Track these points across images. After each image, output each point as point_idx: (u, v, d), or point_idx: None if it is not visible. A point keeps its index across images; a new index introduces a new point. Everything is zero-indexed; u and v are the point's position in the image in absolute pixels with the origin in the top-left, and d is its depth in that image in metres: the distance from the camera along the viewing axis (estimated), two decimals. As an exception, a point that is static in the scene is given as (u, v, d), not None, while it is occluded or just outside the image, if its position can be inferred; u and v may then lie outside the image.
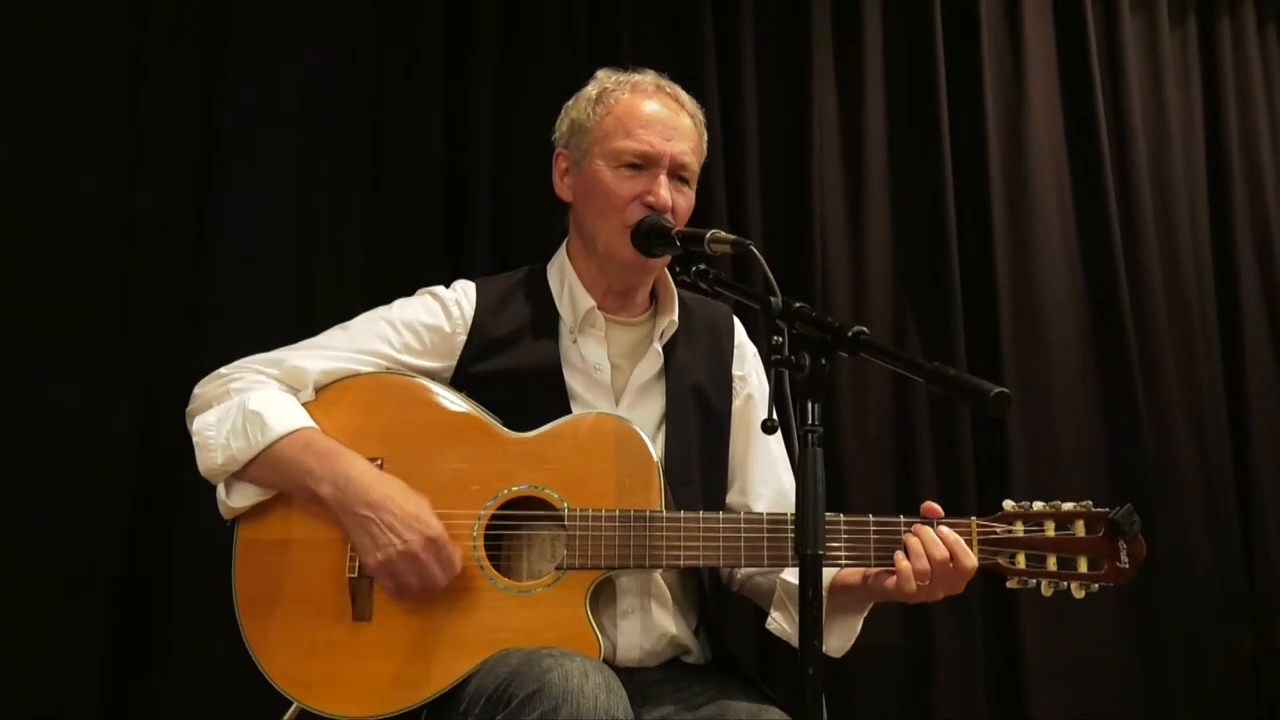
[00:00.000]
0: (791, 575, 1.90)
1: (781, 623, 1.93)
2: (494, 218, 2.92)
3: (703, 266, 1.77)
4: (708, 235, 1.76)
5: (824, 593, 1.80)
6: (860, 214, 3.27)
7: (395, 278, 2.71)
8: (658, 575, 1.91)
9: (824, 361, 1.41)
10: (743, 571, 2.03)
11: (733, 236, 1.74)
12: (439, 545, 1.74)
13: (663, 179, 1.92)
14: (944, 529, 1.75)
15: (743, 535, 1.79)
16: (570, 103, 2.05)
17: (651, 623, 1.90)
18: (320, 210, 2.81)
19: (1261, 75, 3.75)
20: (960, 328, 3.22)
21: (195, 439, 1.82)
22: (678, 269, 1.84)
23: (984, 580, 3.03)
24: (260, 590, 1.80)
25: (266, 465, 1.79)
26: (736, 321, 2.15)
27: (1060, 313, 3.40)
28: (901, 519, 1.78)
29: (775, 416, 1.50)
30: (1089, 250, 3.51)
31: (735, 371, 2.08)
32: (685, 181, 1.97)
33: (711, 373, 2.04)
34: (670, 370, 1.99)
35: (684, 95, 2.01)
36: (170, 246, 2.68)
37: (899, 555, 1.75)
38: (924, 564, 1.73)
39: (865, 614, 1.91)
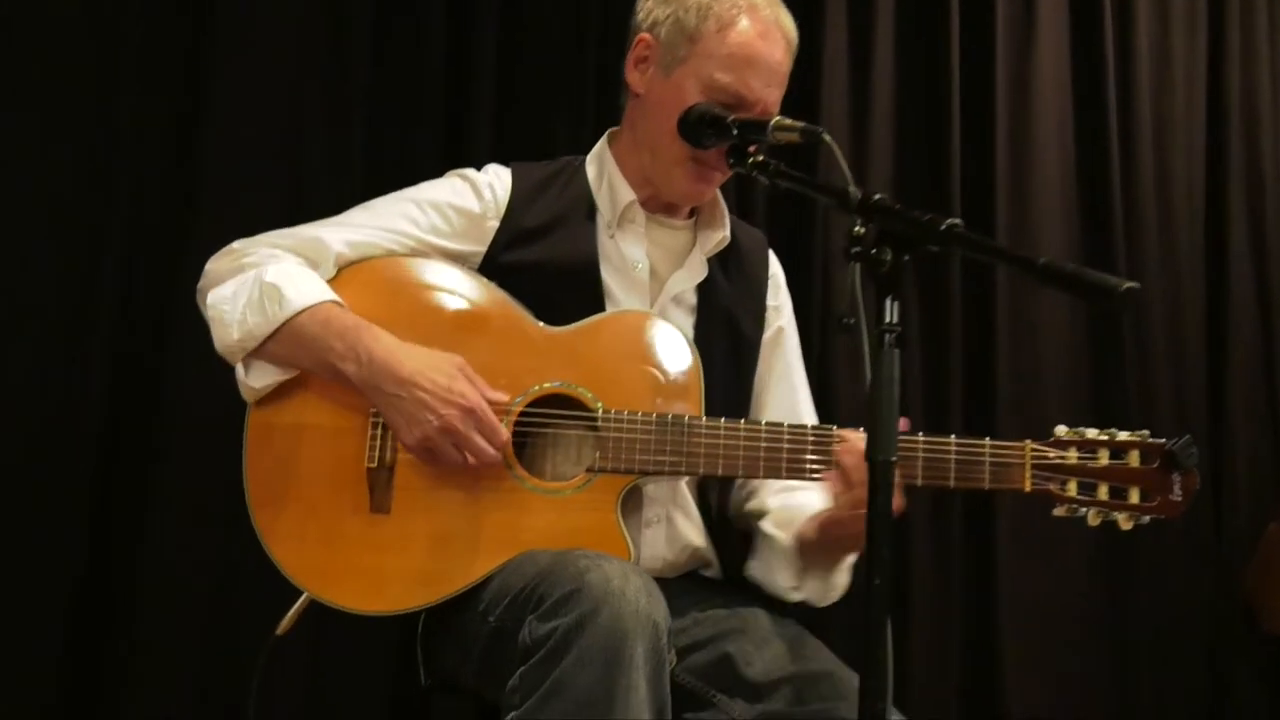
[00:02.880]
0: (767, 523, 1.84)
1: (755, 570, 1.85)
2: (497, 117, 2.78)
3: (761, 158, 1.63)
4: (771, 123, 1.62)
5: (792, 541, 1.77)
6: (866, 149, 3.17)
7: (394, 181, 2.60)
8: (683, 485, 1.83)
9: (906, 257, 1.29)
10: (747, 507, 1.93)
11: (800, 124, 1.60)
12: (478, 415, 1.63)
13: None
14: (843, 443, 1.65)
15: (786, 445, 1.69)
16: None
17: (676, 533, 1.82)
18: (316, 108, 2.69)
19: (1267, 27, 3.67)
20: (957, 265, 3.13)
21: (210, 314, 1.70)
22: (731, 160, 1.70)
23: (965, 519, 3.05)
24: (272, 477, 1.69)
25: (286, 341, 1.67)
26: (771, 251, 2.04)
27: (1054, 249, 3.33)
28: (953, 439, 1.67)
29: (851, 316, 1.37)
30: (1087, 195, 3.44)
31: (770, 302, 1.97)
32: None
33: (745, 300, 1.93)
34: (706, 288, 1.88)
35: (791, 29, 1.84)
36: (157, 141, 2.56)
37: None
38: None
39: (846, 563, 1.81)
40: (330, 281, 1.74)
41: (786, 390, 1.96)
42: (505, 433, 1.66)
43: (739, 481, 1.89)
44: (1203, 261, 3.52)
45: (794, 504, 1.81)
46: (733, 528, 1.94)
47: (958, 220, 1.28)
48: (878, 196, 1.35)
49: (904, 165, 3.22)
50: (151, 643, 2.44)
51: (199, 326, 1.74)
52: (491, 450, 1.64)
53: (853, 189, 1.37)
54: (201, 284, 1.76)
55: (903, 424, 1.59)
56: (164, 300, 2.48)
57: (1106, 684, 3.21)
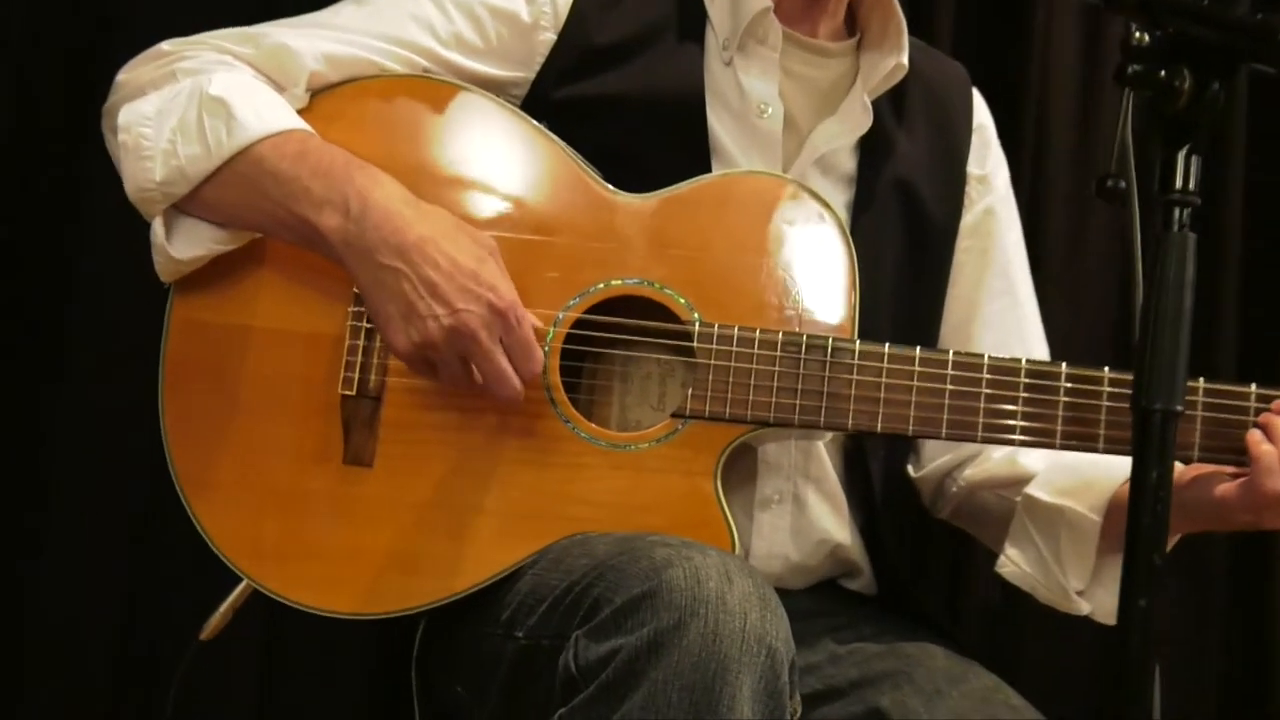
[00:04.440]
0: (1042, 489, 1.78)
1: (1020, 563, 1.79)
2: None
3: None
4: None
5: (1097, 515, 1.72)
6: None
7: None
8: (821, 448, 1.78)
9: (1216, 86, 1.18)
10: (965, 475, 1.89)
11: None
12: (510, 321, 1.56)
13: None
14: None
15: (985, 389, 1.62)
16: None
17: (808, 522, 1.77)
18: None
19: None
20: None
21: (121, 138, 1.64)
22: None
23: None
24: (202, 406, 1.67)
25: (234, 185, 1.61)
26: (976, 93, 1.99)
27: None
28: (1254, 389, 1.61)
29: (1119, 176, 1.29)
30: None
31: (972, 169, 1.94)
32: None
33: (933, 165, 1.89)
34: (870, 146, 1.84)
35: None
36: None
37: (1255, 439, 1.56)
38: None
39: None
40: (300, 114, 1.70)
41: (1008, 307, 1.93)
42: (542, 356, 1.61)
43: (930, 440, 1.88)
44: None
45: (1083, 460, 1.73)
46: (898, 516, 1.89)
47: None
48: (1174, -16, 1.26)
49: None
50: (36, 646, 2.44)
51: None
52: (515, 381, 1.58)
53: None
54: (111, 100, 1.72)
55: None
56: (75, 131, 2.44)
57: None
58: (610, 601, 1.39)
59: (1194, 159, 1.18)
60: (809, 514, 1.76)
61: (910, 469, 1.91)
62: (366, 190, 1.57)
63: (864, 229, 1.75)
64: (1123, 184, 1.22)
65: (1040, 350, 1.92)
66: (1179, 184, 1.18)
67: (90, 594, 2.42)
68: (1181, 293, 1.17)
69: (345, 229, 1.57)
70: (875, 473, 1.82)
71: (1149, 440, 1.18)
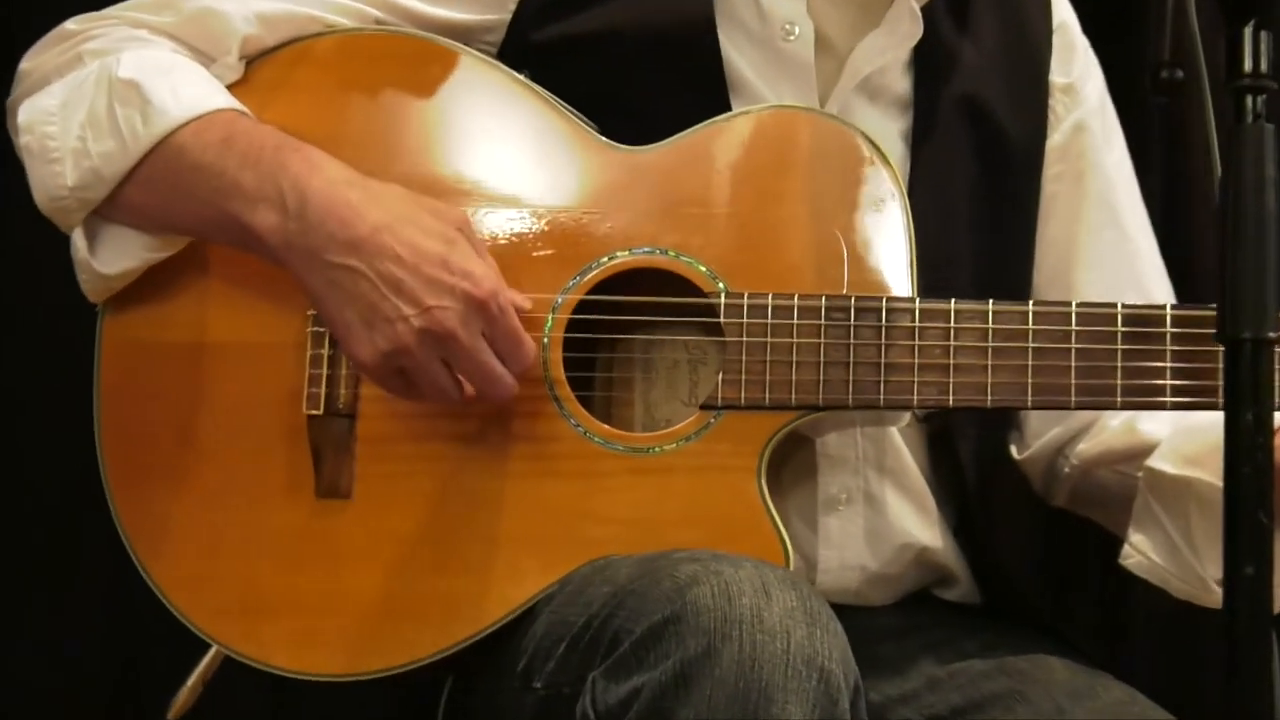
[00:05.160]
0: (1165, 459, 1.76)
1: (1147, 551, 1.77)
2: None
3: None
4: None
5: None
6: None
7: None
8: (896, 434, 1.80)
9: None
10: (1078, 451, 1.88)
11: None
12: (492, 311, 1.57)
13: None
14: None
15: (1076, 344, 1.60)
16: None
17: (885, 523, 1.79)
18: None
19: None
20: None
21: (23, 140, 1.69)
22: None
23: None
24: (145, 437, 1.71)
25: (158, 182, 1.64)
26: None
27: None
28: None
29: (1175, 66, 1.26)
30: None
31: (1055, 78, 1.94)
32: None
33: (1006, 76, 1.90)
34: (925, 61, 1.84)
35: None
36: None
37: None
38: None
39: None
40: (235, 87, 1.74)
41: (1114, 242, 1.93)
42: (533, 345, 1.63)
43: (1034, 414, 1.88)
44: None
45: (1211, 420, 1.67)
46: (996, 506, 1.89)
47: None
48: None
49: None
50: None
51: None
52: (509, 379, 1.60)
53: None
54: (14, 94, 1.78)
55: None
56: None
57: None
58: (630, 633, 1.41)
59: (1264, 35, 1.17)
60: (886, 514, 1.77)
61: (1014, 450, 1.90)
62: (303, 178, 1.59)
63: (927, 160, 1.77)
64: (1180, 74, 1.20)
65: (1161, 292, 1.90)
66: (1248, 67, 1.17)
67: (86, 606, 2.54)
68: (1262, 194, 1.17)
69: (284, 228, 1.59)
70: (966, 458, 1.82)
71: (1239, 375, 1.17)
